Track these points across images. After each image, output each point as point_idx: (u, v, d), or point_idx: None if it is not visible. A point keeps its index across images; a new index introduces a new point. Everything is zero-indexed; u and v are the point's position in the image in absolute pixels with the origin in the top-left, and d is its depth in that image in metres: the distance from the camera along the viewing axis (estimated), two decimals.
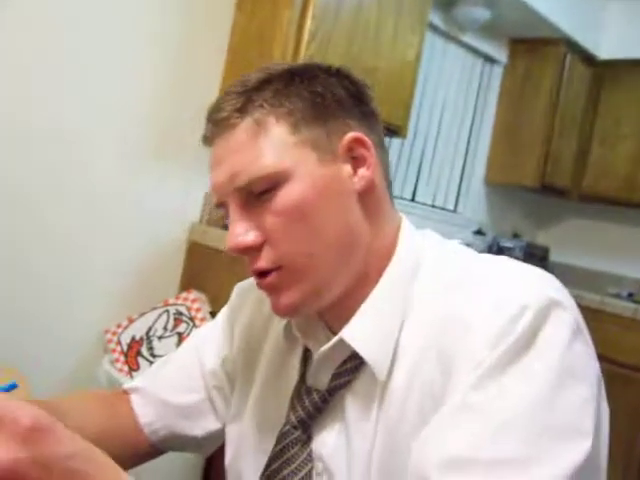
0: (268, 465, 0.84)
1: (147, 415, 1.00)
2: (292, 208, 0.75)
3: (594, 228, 4.25)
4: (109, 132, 2.32)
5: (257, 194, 0.76)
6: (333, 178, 0.77)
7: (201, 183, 2.57)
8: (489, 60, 3.94)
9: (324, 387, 0.82)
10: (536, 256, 4.06)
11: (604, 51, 4.00)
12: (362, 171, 0.79)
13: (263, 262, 0.77)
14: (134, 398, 1.02)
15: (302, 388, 0.85)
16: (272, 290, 0.79)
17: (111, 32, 2.29)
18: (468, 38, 3.68)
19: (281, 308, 0.79)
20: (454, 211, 3.97)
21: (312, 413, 0.82)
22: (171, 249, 2.57)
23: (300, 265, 0.76)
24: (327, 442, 0.81)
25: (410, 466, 0.69)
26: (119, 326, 2.33)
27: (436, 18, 3.40)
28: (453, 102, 3.80)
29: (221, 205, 0.81)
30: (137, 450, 0.99)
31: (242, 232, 0.77)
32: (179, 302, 2.36)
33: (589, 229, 4.27)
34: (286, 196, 0.75)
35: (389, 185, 0.85)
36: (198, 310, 2.28)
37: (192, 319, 2.26)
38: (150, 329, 2.28)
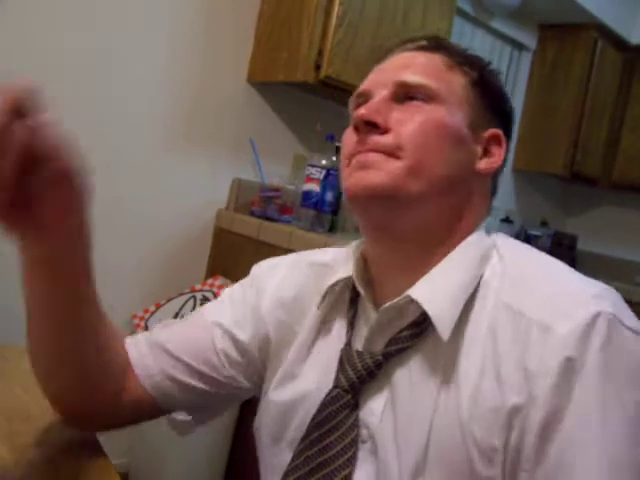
0: (311, 430, 0.83)
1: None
2: (432, 122, 0.81)
3: (623, 217, 4.19)
4: (137, 119, 2.33)
5: (409, 97, 0.83)
6: (467, 141, 0.84)
7: (228, 169, 2.58)
8: (518, 46, 3.89)
9: (378, 352, 0.81)
10: (564, 245, 4.02)
11: (636, 36, 3.93)
12: (488, 160, 0.86)
13: (380, 143, 0.80)
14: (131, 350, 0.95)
15: (351, 352, 0.83)
16: (365, 166, 0.80)
17: (139, 19, 2.30)
18: (497, 24, 3.63)
19: (362, 182, 0.80)
20: None
21: (364, 377, 0.81)
22: (198, 235, 2.58)
23: (408, 160, 0.79)
24: (374, 410, 0.80)
25: None
26: (146, 311, 2.35)
27: (465, 3, 3.36)
28: None
29: (362, 95, 0.87)
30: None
31: (379, 107, 0.82)
32: (205, 288, 2.37)
33: (618, 218, 4.21)
34: (433, 111, 0.82)
35: (494, 194, 0.91)
36: None
37: None
38: (177, 314, 2.30)
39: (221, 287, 2.34)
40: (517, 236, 3.94)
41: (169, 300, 2.36)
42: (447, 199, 0.82)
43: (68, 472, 0.78)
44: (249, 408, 1.02)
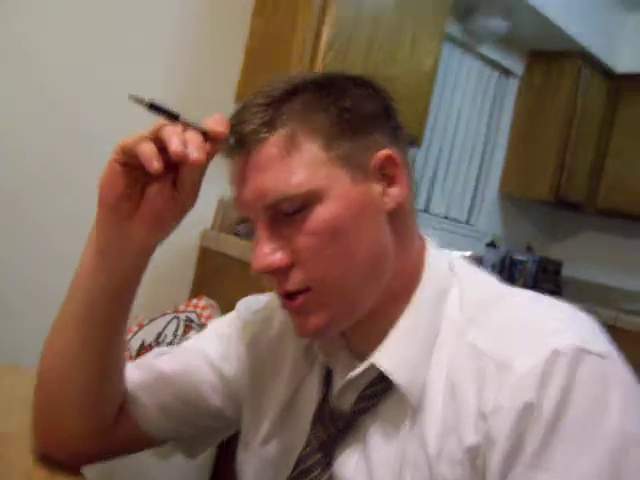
0: None
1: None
2: (325, 229, 0.72)
3: (608, 243, 4.21)
4: (122, 135, 2.31)
5: (287, 213, 0.73)
6: (365, 197, 0.74)
7: (214, 189, 2.55)
8: (505, 72, 3.93)
9: (347, 409, 0.79)
10: (549, 271, 4.02)
11: (621, 64, 3.98)
12: (393, 190, 0.77)
13: (293, 284, 0.74)
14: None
15: (324, 410, 0.82)
16: (300, 312, 0.76)
17: (128, 33, 2.30)
18: (485, 50, 3.66)
19: (308, 330, 0.77)
20: (467, 223, 3.94)
21: (335, 436, 0.80)
22: (183, 255, 2.57)
23: (330, 287, 0.74)
24: (348, 465, 0.79)
25: None
26: (129, 331, 2.31)
27: (454, 29, 3.39)
28: (468, 113, 3.78)
29: (245, 220, 0.78)
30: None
31: (270, 252, 0.73)
32: (189, 309, 2.34)
33: (603, 244, 4.23)
34: (319, 216, 0.72)
35: (414, 202, 0.83)
36: (208, 317, 2.25)
37: (202, 326, 2.23)
38: (160, 335, 2.26)
39: (205, 308, 2.31)
40: (502, 261, 3.95)
41: (152, 320, 2.33)
42: (382, 272, 0.76)
43: None
44: None
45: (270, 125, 0.74)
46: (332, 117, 0.74)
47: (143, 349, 2.23)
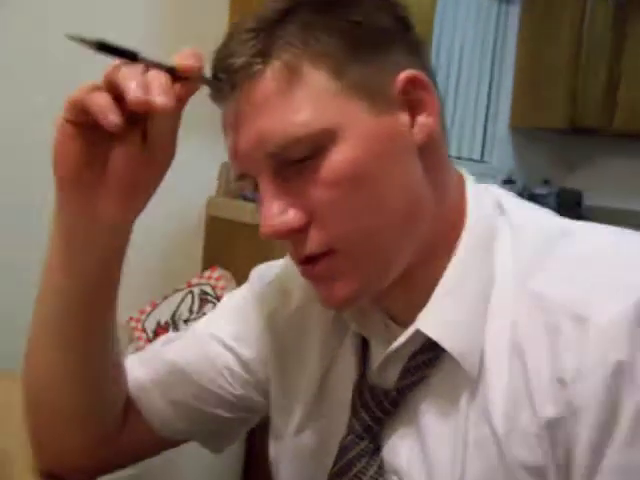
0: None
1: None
2: (344, 176, 0.60)
3: (628, 166, 4.03)
4: None
5: (295, 161, 0.60)
6: (390, 131, 0.62)
7: (216, 151, 2.42)
8: (505, 0, 3.74)
9: (392, 385, 0.67)
10: (570, 202, 3.91)
11: None
12: (421, 118, 0.64)
13: (313, 246, 0.62)
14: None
15: (365, 388, 0.70)
16: (324, 279, 0.64)
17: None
18: None
19: (336, 300, 0.65)
20: (481, 161, 3.81)
21: (380, 418, 0.68)
22: (189, 227, 2.46)
23: (359, 246, 0.62)
24: (400, 451, 0.67)
25: None
26: (142, 312, 2.23)
27: None
28: (471, 47, 3.61)
29: (244, 177, 0.65)
30: None
31: (280, 212, 0.61)
32: (203, 281, 2.26)
33: (622, 168, 4.05)
34: (335, 161, 0.60)
35: (445, 129, 0.69)
36: (223, 288, 2.18)
37: (218, 298, 2.16)
38: (175, 313, 2.19)
39: (219, 279, 2.23)
40: (520, 196, 3.81)
41: (166, 298, 2.25)
42: (418, 221, 0.64)
43: None
44: None
45: (264, 54, 0.61)
46: (340, 36, 0.61)
47: (159, 329, 2.15)
